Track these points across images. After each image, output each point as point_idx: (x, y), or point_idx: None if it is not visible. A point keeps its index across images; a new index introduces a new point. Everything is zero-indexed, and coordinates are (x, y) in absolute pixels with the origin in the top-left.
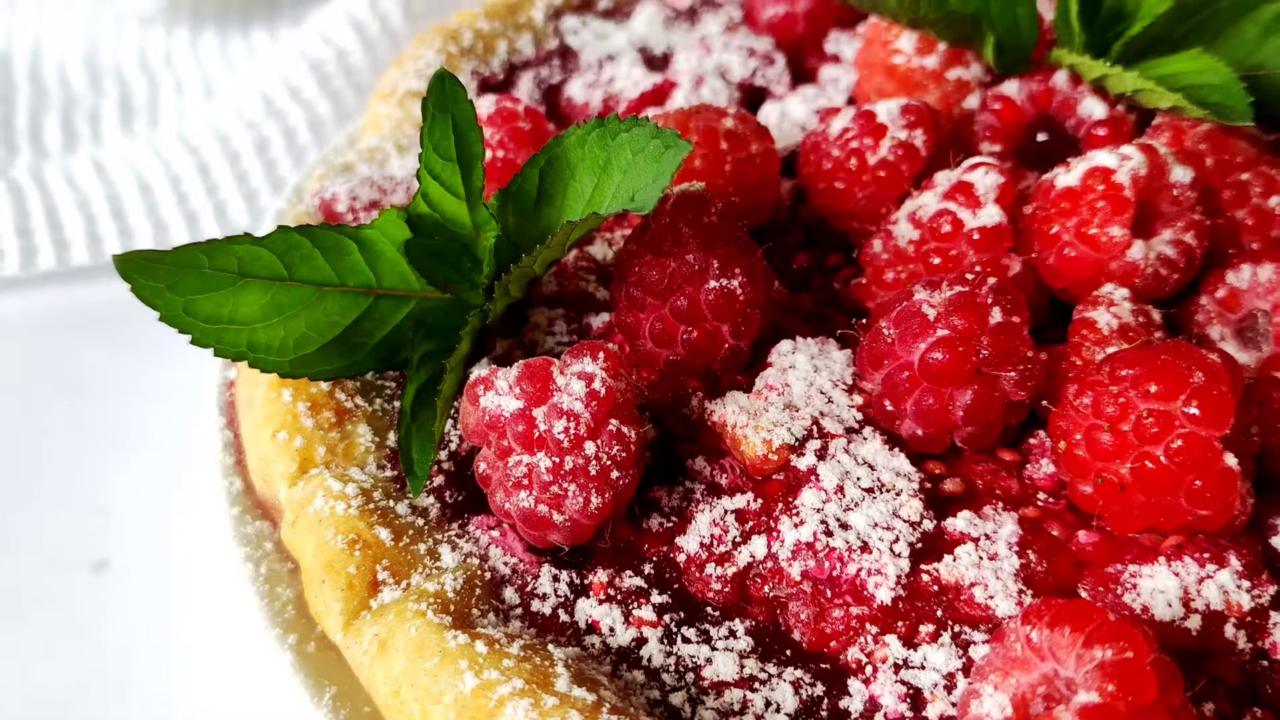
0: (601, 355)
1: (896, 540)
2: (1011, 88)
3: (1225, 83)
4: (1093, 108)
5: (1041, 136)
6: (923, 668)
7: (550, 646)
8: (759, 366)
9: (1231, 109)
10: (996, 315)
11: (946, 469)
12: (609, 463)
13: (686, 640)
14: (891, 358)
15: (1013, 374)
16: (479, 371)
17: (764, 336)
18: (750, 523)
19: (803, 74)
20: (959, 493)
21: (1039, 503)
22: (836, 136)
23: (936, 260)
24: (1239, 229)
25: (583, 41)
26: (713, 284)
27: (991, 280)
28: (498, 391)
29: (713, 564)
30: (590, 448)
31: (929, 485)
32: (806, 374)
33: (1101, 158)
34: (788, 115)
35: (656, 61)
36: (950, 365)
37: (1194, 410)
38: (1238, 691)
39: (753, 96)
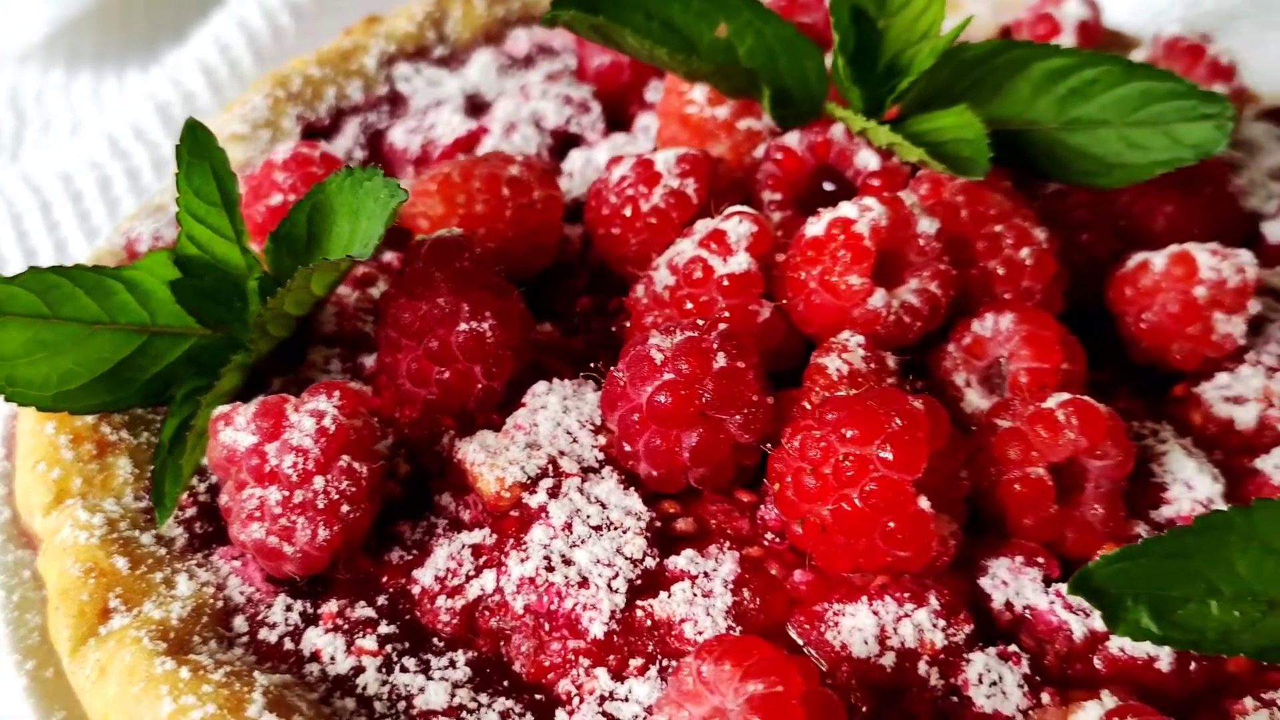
0: (337, 394)
1: (616, 576)
2: (793, 138)
3: (976, 138)
4: (868, 159)
5: (829, 186)
6: (626, 700)
7: (256, 673)
8: (514, 406)
9: (973, 164)
10: (721, 360)
11: (682, 508)
12: (338, 497)
13: (405, 670)
14: (625, 400)
15: (738, 417)
16: (225, 408)
17: (525, 377)
18: (484, 557)
19: (624, 121)
20: (690, 532)
21: (765, 542)
22: (615, 183)
23: (690, 305)
24: (992, 279)
25: (414, 88)
26: (463, 326)
27: (722, 326)
28: (235, 427)
29: (444, 596)
30: (319, 482)
31: (659, 524)
32: (556, 414)
33: (845, 209)
34: (592, 162)
35: (480, 108)
36: (674, 408)
37: (888, 454)
38: None
39: (566, 143)
